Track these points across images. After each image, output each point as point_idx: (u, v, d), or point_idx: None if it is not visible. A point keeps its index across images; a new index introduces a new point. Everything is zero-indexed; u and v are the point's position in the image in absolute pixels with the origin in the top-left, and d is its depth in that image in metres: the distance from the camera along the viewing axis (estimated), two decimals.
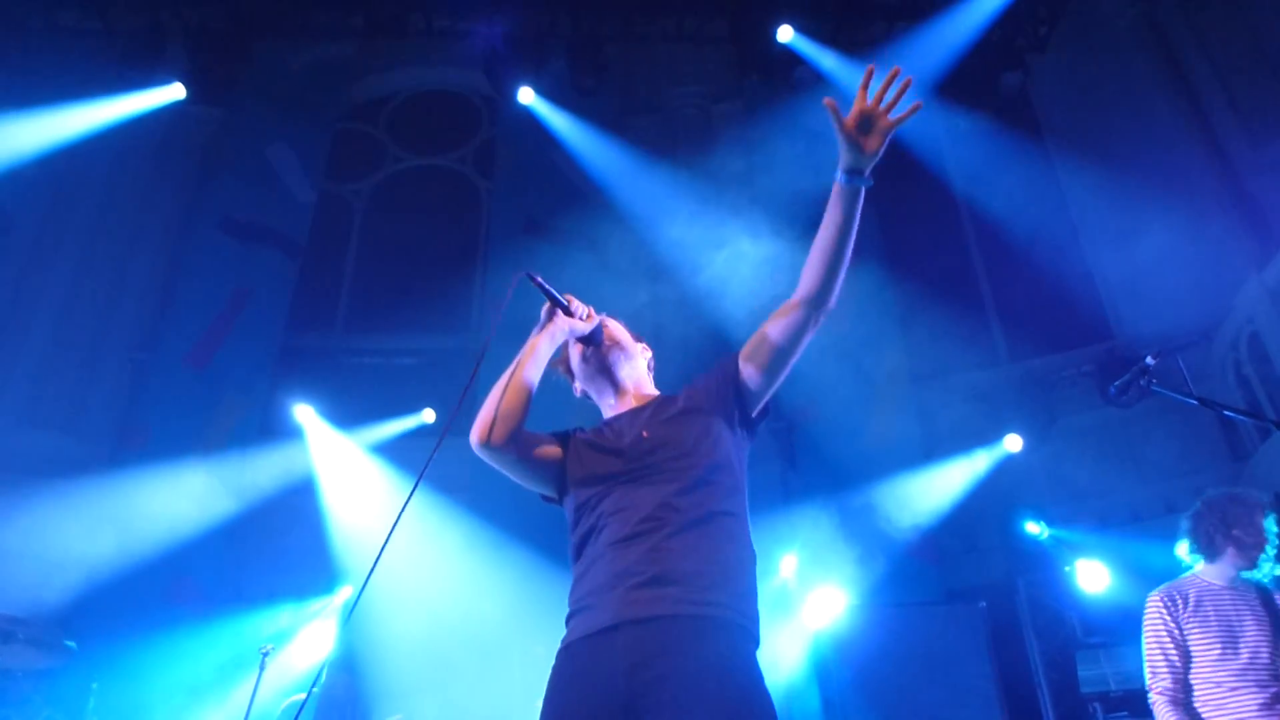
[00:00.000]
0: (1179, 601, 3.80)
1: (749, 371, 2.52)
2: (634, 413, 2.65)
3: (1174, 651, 3.72)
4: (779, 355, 2.46)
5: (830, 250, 2.35)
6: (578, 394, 2.91)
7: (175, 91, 9.91)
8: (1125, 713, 6.69)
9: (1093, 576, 7.25)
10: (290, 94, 10.79)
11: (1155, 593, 3.90)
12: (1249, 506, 3.83)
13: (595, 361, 2.76)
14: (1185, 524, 3.96)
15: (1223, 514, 3.83)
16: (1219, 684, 3.60)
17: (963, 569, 8.41)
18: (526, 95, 10.47)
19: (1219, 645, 3.65)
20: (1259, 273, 7.23)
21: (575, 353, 2.80)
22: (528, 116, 10.50)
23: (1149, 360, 3.48)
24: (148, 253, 9.72)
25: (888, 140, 2.27)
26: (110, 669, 6.06)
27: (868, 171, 2.30)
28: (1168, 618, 3.78)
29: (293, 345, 9.92)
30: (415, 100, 12.09)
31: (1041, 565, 7.86)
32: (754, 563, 2.38)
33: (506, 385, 2.54)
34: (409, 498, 2.51)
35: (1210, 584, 3.83)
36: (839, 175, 2.31)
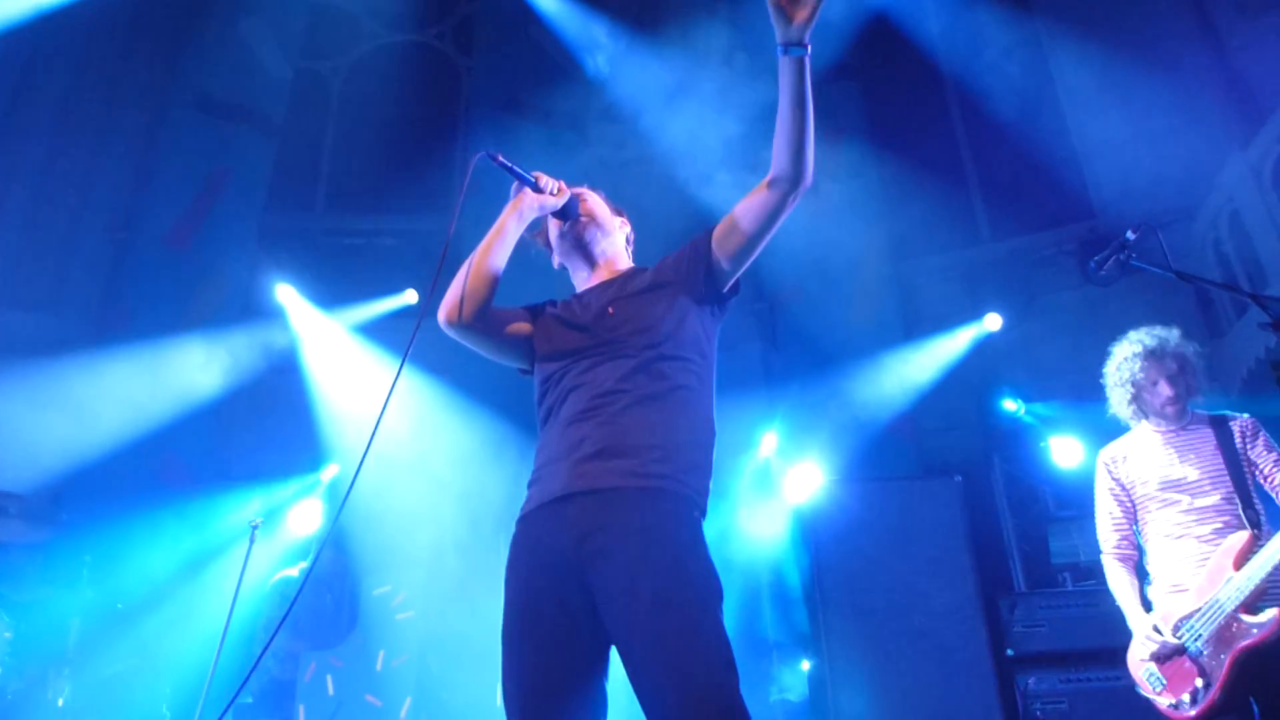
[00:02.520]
0: (1118, 459, 3.79)
1: (721, 250, 2.51)
2: (603, 286, 2.66)
3: (1118, 511, 3.75)
4: (751, 235, 2.44)
5: (789, 126, 2.29)
6: (556, 266, 2.92)
7: None
8: (1093, 581, 6.89)
9: (1066, 452, 7.39)
10: None
11: (1103, 450, 3.88)
12: (1148, 356, 3.73)
13: (570, 237, 2.75)
14: (1106, 382, 3.89)
15: (1120, 375, 3.79)
16: (1167, 534, 3.57)
17: (940, 446, 8.55)
18: None
19: (1158, 496, 3.62)
20: (1242, 150, 7.18)
21: (552, 228, 2.81)
22: None
23: (1129, 234, 3.41)
24: (122, 133, 9.52)
25: (817, 9, 2.19)
26: (102, 543, 6.16)
27: (804, 40, 2.22)
28: (1109, 478, 3.79)
29: (272, 226, 9.83)
30: None
31: (1017, 442, 7.99)
32: (709, 436, 2.42)
33: (473, 265, 2.56)
34: (394, 383, 2.52)
35: (1153, 433, 3.76)
36: (778, 49, 2.25)
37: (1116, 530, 3.74)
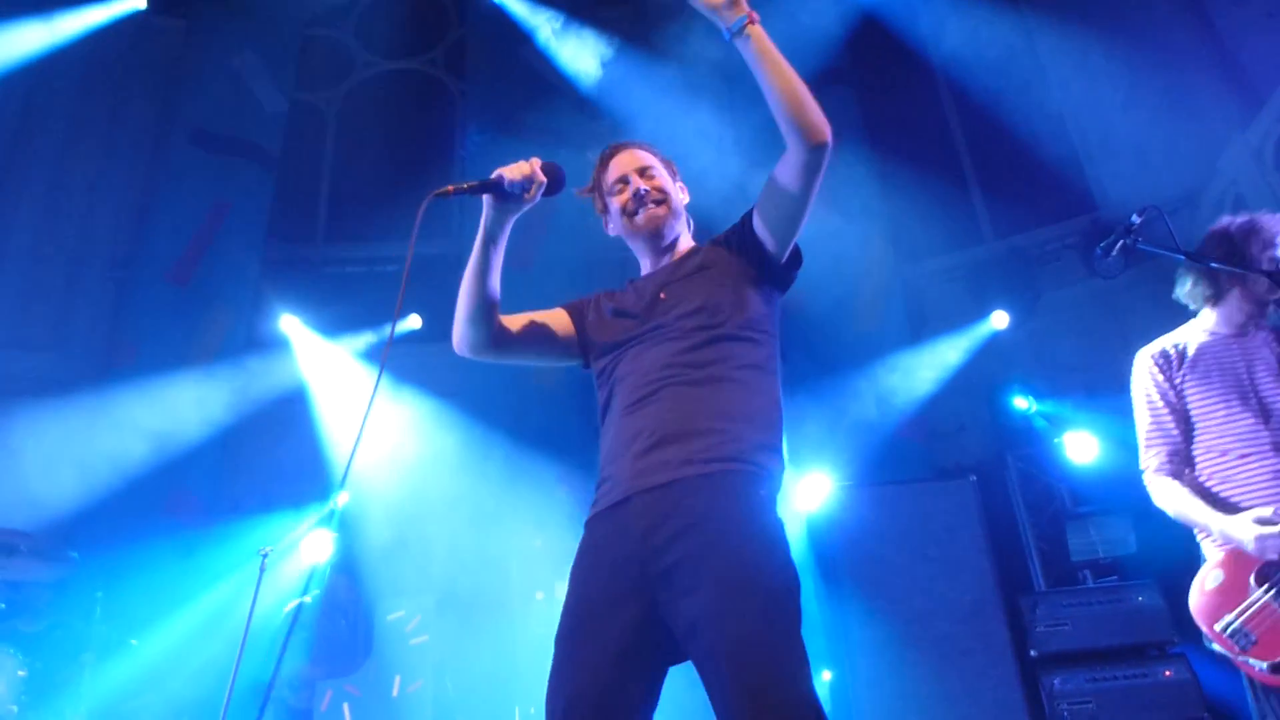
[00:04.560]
0: (1173, 358, 3.31)
1: (765, 222, 2.45)
2: (659, 272, 2.60)
3: (1168, 418, 3.25)
4: (790, 200, 2.35)
5: (775, 96, 2.24)
6: (610, 233, 2.80)
7: (135, 1, 9.59)
8: (1115, 577, 6.84)
9: (1081, 448, 7.34)
10: (253, 2, 10.48)
11: (1146, 349, 3.41)
12: (1265, 234, 3.21)
13: (645, 232, 2.62)
14: (1186, 262, 3.30)
15: (1230, 245, 3.23)
16: (1225, 452, 3.14)
17: (952, 447, 8.50)
18: None
19: (1222, 405, 3.16)
20: (1242, 132, 7.14)
21: (624, 225, 2.66)
22: (497, 12, 10.22)
23: (1134, 218, 3.20)
24: (121, 170, 9.56)
25: None
26: (114, 578, 6.15)
27: (740, 17, 2.21)
28: (1160, 378, 3.29)
29: (274, 257, 9.85)
30: (382, 2, 11.75)
31: (1030, 440, 7.94)
32: (776, 416, 2.34)
33: (464, 292, 2.50)
34: (372, 396, 2.49)
35: (1216, 332, 3.32)
36: (725, 37, 2.25)
37: (1168, 443, 3.24)
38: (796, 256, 2.55)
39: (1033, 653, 6.06)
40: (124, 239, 9.25)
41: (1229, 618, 2.94)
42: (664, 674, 2.14)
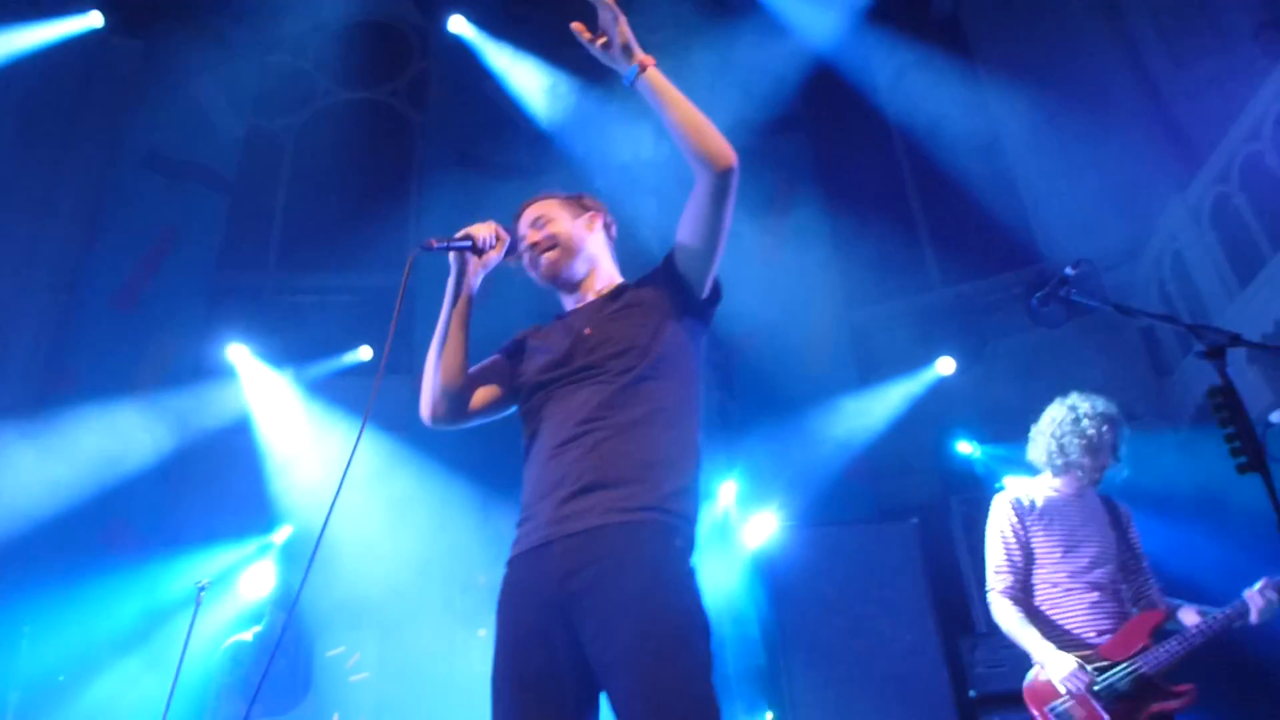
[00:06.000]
0: (1025, 506, 3.87)
1: (682, 257, 2.48)
2: (584, 309, 2.61)
3: (1018, 552, 3.80)
4: (702, 234, 2.40)
5: (676, 130, 2.32)
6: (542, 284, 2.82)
7: (93, 20, 9.45)
8: None
9: None
10: (214, 26, 10.43)
11: (1003, 496, 3.96)
12: (1106, 421, 3.88)
13: (547, 278, 2.68)
14: (1037, 434, 4.00)
15: (1079, 428, 3.88)
16: (1055, 584, 3.74)
17: (897, 489, 8.59)
18: (457, 24, 10.23)
19: (1060, 548, 3.77)
20: (1181, 193, 7.37)
21: (533, 275, 2.72)
22: (460, 47, 10.27)
23: (1069, 270, 3.40)
24: (70, 191, 9.39)
25: (616, 35, 2.26)
26: (42, 613, 5.98)
27: (633, 61, 2.30)
28: (1014, 519, 3.85)
29: (224, 284, 9.74)
30: (344, 33, 11.76)
31: (974, 484, 8.06)
32: (694, 458, 2.36)
33: (439, 360, 2.51)
34: (356, 444, 2.47)
35: (1061, 491, 3.94)
36: (625, 82, 2.34)
37: (1013, 573, 3.79)
38: (717, 291, 2.58)
39: (972, 693, 6.11)
40: (70, 260, 9.10)
41: (1056, 703, 3.59)
42: (598, 698, 2.17)
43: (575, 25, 2.26)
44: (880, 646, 6.58)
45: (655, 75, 2.31)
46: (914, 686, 6.36)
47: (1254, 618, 3.55)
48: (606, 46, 2.29)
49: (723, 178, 2.31)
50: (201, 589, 5.11)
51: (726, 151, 2.31)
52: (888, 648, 6.58)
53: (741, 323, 8.72)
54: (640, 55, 2.30)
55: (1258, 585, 3.58)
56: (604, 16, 2.25)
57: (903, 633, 6.79)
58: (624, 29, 2.26)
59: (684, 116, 2.30)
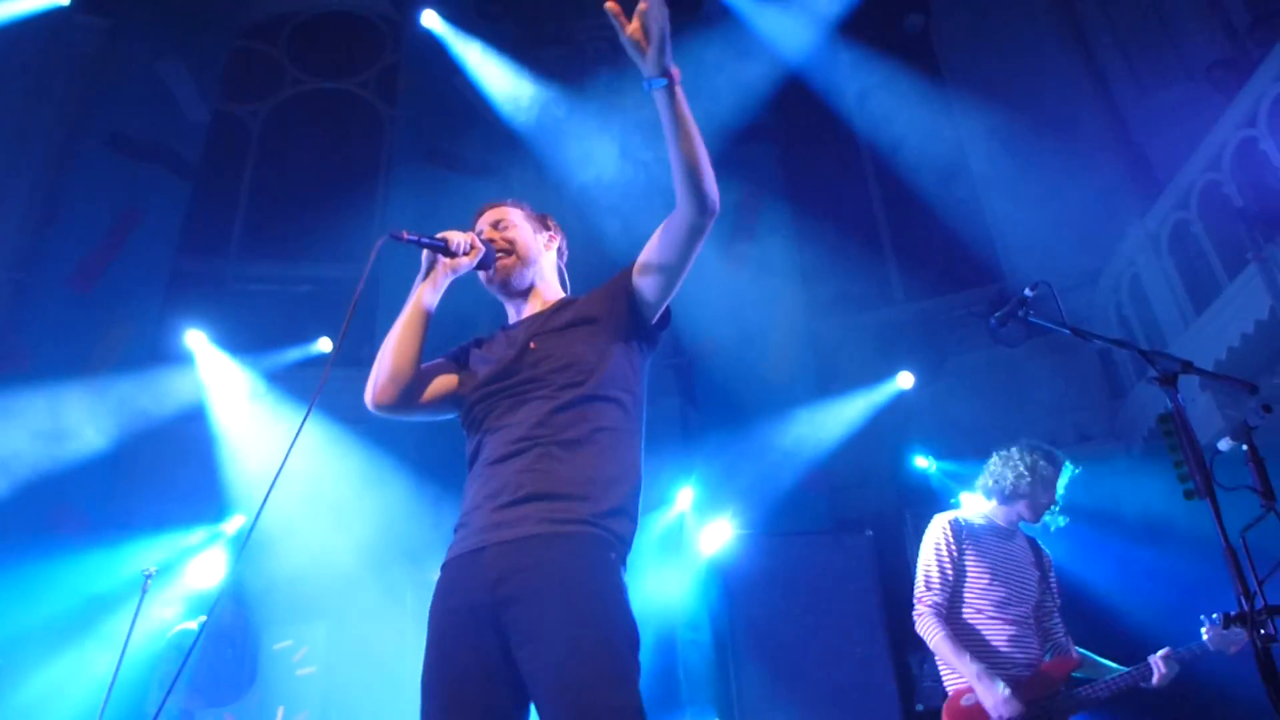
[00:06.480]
0: (961, 528, 3.99)
1: (641, 282, 2.47)
2: (529, 320, 2.61)
3: (950, 570, 3.91)
4: (668, 266, 2.41)
5: (679, 158, 2.27)
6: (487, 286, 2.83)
7: None
8: None
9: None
10: (184, 8, 10.31)
11: (942, 516, 4.08)
12: (1056, 466, 4.04)
13: (497, 282, 2.68)
14: (995, 463, 4.13)
15: (1032, 467, 4.02)
16: (979, 610, 3.88)
17: (853, 501, 8.65)
18: (430, 19, 10.17)
19: (988, 576, 3.90)
20: (1141, 219, 7.49)
21: (481, 277, 2.72)
22: (432, 41, 10.21)
23: (1027, 291, 3.48)
24: (29, 169, 9.26)
25: (659, 37, 2.16)
26: None
27: (665, 70, 2.19)
28: (950, 538, 3.95)
29: (184, 270, 9.64)
30: (316, 21, 11.67)
31: (929, 497, 8.13)
32: (635, 480, 2.37)
33: (393, 346, 2.50)
34: (299, 430, 2.45)
35: (994, 523, 4.07)
36: (645, 86, 2.23)
37: (943, 590, 3.90)
38: (666, 317, 2.60)
39: (919, 707, 6.16)
40: (27, 239, 8.94)
41: None
42: (527, 704, 2.17)
43: (611, 6, 2.14)
44: (831, 657, 6.62)
45: (680, 94, 2.24)
46: (863, 697, 6.41)
47: (1155, 682, 3.72)
48: (640, 41, 2.20)
49: (704, 219, 2.32)
50: (148, 576, 5.05)
51: (715, 197, 2.31)
52: (839, 658, 6.62)
53: (704, 329, 8.76)
54: (670, 65, 2.22)
55: (1160, 653, 3.74)
56: (653, 12, 2.16)
57: (854, 644, 6.84)
58: (666, 32, 2.17)
59: (692, 147, 2.26)
